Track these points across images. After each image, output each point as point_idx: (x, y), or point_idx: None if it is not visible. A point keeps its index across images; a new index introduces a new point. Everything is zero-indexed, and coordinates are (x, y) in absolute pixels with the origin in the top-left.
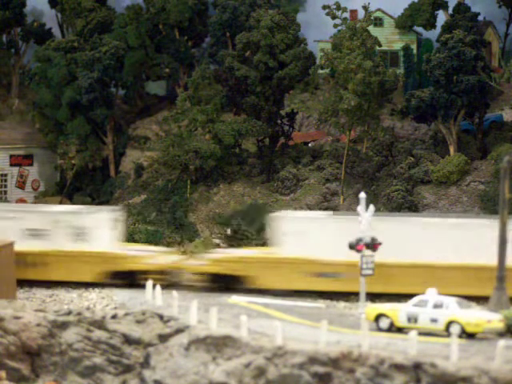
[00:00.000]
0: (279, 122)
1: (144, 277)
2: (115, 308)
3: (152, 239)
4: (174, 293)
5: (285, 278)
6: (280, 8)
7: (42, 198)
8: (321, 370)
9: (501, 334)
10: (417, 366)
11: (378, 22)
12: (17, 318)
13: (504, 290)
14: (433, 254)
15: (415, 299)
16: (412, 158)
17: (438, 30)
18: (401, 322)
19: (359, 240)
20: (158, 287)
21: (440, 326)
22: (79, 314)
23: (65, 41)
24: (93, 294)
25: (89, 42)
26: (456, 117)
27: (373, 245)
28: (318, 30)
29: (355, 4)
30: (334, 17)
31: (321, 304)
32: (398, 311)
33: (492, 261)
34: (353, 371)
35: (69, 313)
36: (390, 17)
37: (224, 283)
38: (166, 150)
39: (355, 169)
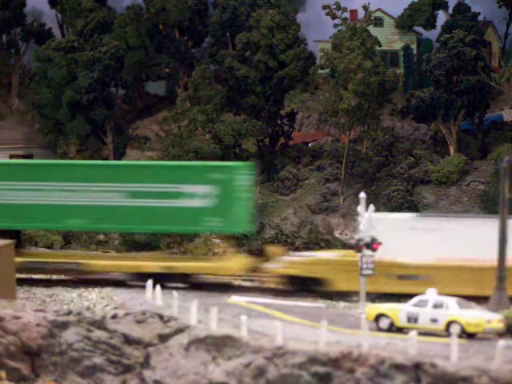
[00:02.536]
0: (279, 121)
1: None
2: (115, 308)
3: (151, 241)
4: (174, 293)
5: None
6: (280, 8)
7: None
8: (321, 369)
9: (501, 334)
10: (417, 366)
11: (378, 22)
12: (17, 318)
13: (504, 290)
14: None
15: (415, 299)
16: (412, 158)
17: (438, 29)
18: (401, 322)
19: (359, 240)
20: (158, 287)
21: (440, 326)
22: (79, 314)
23: (65, 41)
24: (93, 294)
25: (89, 42)
26: (456, 117)
27: (372, 245)
28: (317, 30)
29: (355, 4)
30: (334, 17)
31: (321, 304)
32: (397, 311)
33: None
34: (353, 371)
35: (69, 313)
36: (390, 17)
37: None
38: (166, 149)
39: (355, 169)
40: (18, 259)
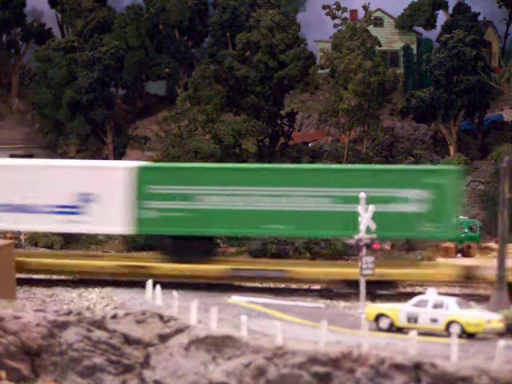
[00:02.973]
0: (279, 121)
1: None
2: (115, 308)
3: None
4: (174, 293)
5: None
6: (280, 8)
7: None
8: (321, 369)
9: (501, 334)
10: (417, 366)
11: (378, 22)
12: (17, 318)
13: (504, 289)
14: None
15: (415, 299)
16: (412, 158)
17: (438, 29)
18: (401, 322)
19: (359, 240)
20: (158, 287)
21: (440, 326)
22: (79, 314)
23: (65, 41)
24: (93, 294)
25: (89, 42)
26: (456, 117)
27: (372, 245)
28: (318, 30)
29: (355, 4)
30: (334, 17)
31: (321, 304)
32: (397, 311)
33: None
34: (353, 371)
35: (69, 313)
36: (390, 17)
37: None
38: (166, 150)
39: None
40: (223, 266)
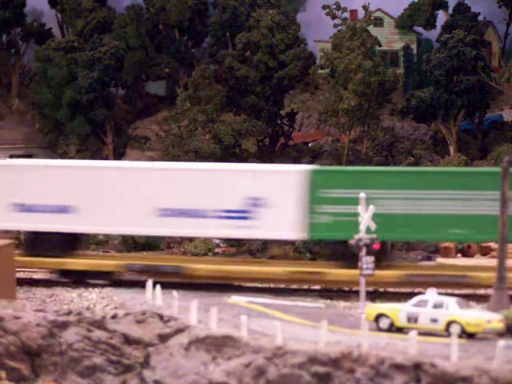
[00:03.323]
0: (279, 121)
1: None
2: (115, 308)
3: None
4: (174, 293)
5: None
6: (280, 8)
7: None
8: (321, 369)
9: (501, 334)
10: (417, 366)
11: (378, 22)
12: (17, 318)
13: (504, 289)
14: None
15: (415, 299)
16: (412, 158)
17: (438, 29)
18: (401, 322)
19: (359, 240)
20: (158, 287)
21: (440, 326)
22: (79, 314)
23: (65, 41)
24: (93, 294)
25: (89, 42)
26: (456, 117)
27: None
28: (317, 30)
29: (355, 4)
30: (334, 17)
31: (321, 304)
32: (397, 311)
33: None
34: (353, 371)
35: (69, 313)
36: (390, 17)
37: None
38: (166, 149)
39: None
40: (400, 272)
